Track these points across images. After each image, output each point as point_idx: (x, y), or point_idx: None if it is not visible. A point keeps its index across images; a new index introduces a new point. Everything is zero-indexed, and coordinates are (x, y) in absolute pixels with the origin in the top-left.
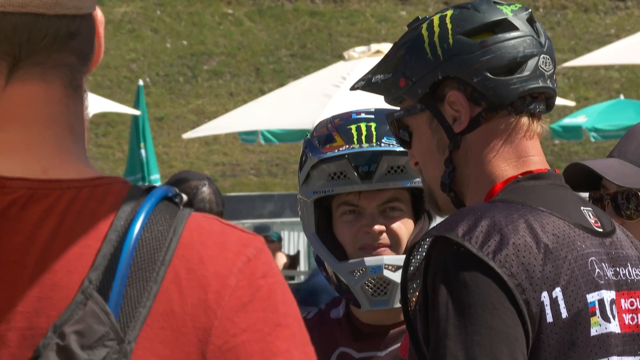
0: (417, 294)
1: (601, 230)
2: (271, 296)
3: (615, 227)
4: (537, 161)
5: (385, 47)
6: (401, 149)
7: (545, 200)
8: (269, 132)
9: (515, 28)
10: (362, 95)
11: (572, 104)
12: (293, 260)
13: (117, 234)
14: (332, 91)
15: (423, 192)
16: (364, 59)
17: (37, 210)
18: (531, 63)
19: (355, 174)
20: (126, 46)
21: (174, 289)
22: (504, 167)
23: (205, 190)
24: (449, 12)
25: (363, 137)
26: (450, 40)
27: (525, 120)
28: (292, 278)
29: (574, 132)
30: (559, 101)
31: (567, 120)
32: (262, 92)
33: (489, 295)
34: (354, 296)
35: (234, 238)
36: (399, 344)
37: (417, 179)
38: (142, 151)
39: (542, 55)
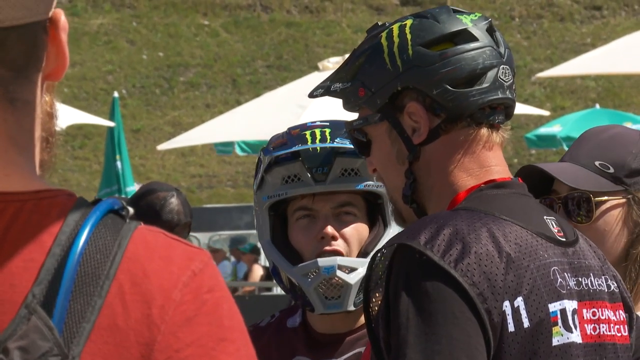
0: (379, 301)
1: (564, 239)
2: (217, 310)
3: (578, 236)
4: (499, 170)
5: None
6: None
7: (508, 208)
8: (245, 143)
9: (475, 39)
10: (335, 107)
11: (546, 113)
12: (269, 272)
13: (61, 248)
14: (306, 102)
15: (377, 197)
16: None
17: None
18: (491, 74)
19: (309, 176)
20: (102, 58)
21: (118, 304)
22: (466, 177)
23: (174, 201)
24: (409, 22)
25: (317, 140)
26: (410, 51)
27: (484, 131)
28: (269, 289)
29: (549, 141)
30: (535, 111)
31: (543, 130)
32: (239, 103)
33: (450, 304)
34: (308, 300)
35: (180, 252)
36: (355, 351)
37: (371, 182)
38: (118, 163)
39: (501, 66)
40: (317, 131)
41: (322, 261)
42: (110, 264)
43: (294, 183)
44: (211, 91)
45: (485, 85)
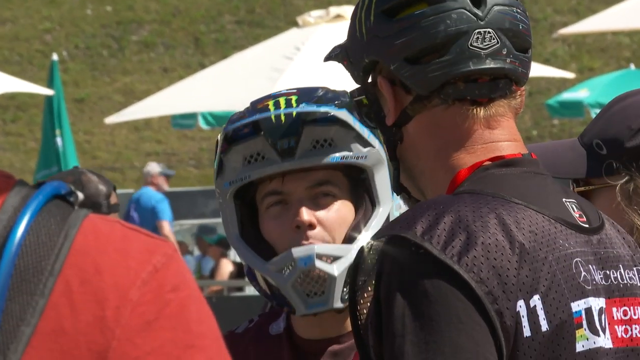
0: (368, 304)
1: (587, 225)
2: (182, 313)
3: (604, 221)
4: (506, 146)
5: (348, 10)
6: (324, 110)
7: (520, 190)
8: (211, 114)
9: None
10: (319, 70)
11: (571, 75)
12: (240, 268)
13: None
14: (284, 64)
15: (360, 170)
16: (322, 25)
17: None
18: (458, 43)
19: (274, 152)
20: (38, 13)
21: (64, 304)
22: (462, 155)
23: (93, 178)
24: None
25: (281, 109)
26: (372, 18)
27: (466, 105)
28: (241, 289)
29: (574, 108)
30: (558, 73)
31: (566, 95)
32: (203, 67)
33: (453, 306)
34: (287, 300)
35: (138, 244)
36: None
37: (349, 153)
38: (58, 139)
39: (476, 31)
40: (282, 99)
41: (297, 251)
42: (55, 257)
43: (257, 163)
44: (169, 52)
45: (447, 57)
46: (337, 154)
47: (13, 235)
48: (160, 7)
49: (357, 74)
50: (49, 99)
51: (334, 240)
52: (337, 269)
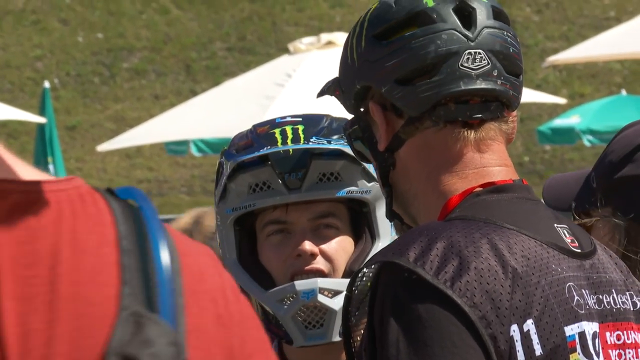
0: (362, 331)
1: (579, 250)
2: (251, 313)
3: (595, 247)
4: (497, 171)
5: (339, 37)
6: (334, 147)
7: (511, 216)
8: (202, 141)
9: (431, 21)
10: (310, 97)
11: (563, 101)
12: None
13: (130, 242)
14: (275, 91)
15: (362, 204)
16: (313, 51)
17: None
18: (449, 63)
19: (281, 183)
20: (29, 41)
21: (194, 304)
22: (453, 180)
23: None
24: (374, 6)
25: (289, 140)
26: (363, 43)
27: (457, 128)
28: None
29: (565, 134)
30: (549, 98)
31: (558, 121)
32: (194, 94)
33: (447, 331)
34: (285, 330)
35: (199, 245)
36: None
37: (355, 188)
38: (50, 167)
39: (466, 52)
40: (289, 129)
41: (300, 284)
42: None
43: (263, 192)
44: (160, 79)
45: (437, 77)
46: (344, 189)
47: (155, 243)
48: (151, 34)
49: (349, 102)
50: (40, 126)
51: (335, 271)
52: (338, 304)
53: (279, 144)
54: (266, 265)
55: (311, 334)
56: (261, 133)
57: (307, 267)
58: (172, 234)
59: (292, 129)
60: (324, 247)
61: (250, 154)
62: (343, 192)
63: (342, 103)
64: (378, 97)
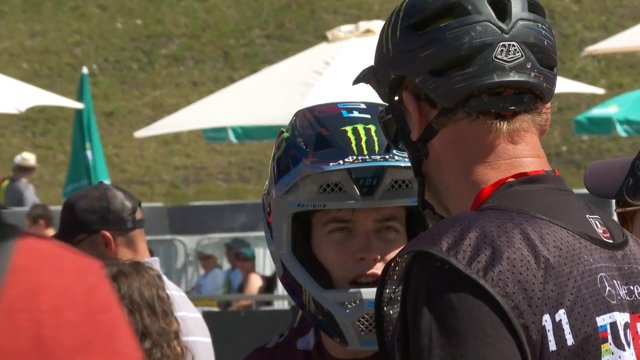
0: (394, 321)
1: (611, 241)
2: (114, 334)
3: (627, 238)
4: (532, 162)
5: (378, 25)
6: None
7: (543, 206)
8: (240, 128)
9: (466, 12)
10: (350, 87)
11: (601, 91)
12: (269, 282)
13: None
14: (313, 79)
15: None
16: (352, 39)
17: None
18: (482, 55)
19: (355, 189)
20: (68, 27)
21: (5, 324)
22: (486, 170)
23: (119, 194)
24: None
25: (363, 144)
26: (398, 33)
27: (490, 119)
28: (270, 303)
29: (603, 125)
30: (587, 88)
31: (596, 111)
32: (232, 81)
33: (480, 320)
34: (339, 330)
35: (72, 263)
36: None
37: None
38: (88, 152)
39: (500, 44)
40: (361, 128)
41: (367, 293)
42: None
43: (334, 193)
44: (198, 66)
45: (471, 69)
46: (413, 197)
47: None
48: (190, 21)
49: (383, 91)
50: (78, 112)
51: None
52: None
53: (354, 148)
54: (324, 262)
55: (366, 338)
56: (328, 124)
57: (369, 272)
58: (27, 249)
59: (365, 129)
60: (386, 251)
61: (333, 161)
62: (413, 201)
63: (376, 91)
64: (412, 87)
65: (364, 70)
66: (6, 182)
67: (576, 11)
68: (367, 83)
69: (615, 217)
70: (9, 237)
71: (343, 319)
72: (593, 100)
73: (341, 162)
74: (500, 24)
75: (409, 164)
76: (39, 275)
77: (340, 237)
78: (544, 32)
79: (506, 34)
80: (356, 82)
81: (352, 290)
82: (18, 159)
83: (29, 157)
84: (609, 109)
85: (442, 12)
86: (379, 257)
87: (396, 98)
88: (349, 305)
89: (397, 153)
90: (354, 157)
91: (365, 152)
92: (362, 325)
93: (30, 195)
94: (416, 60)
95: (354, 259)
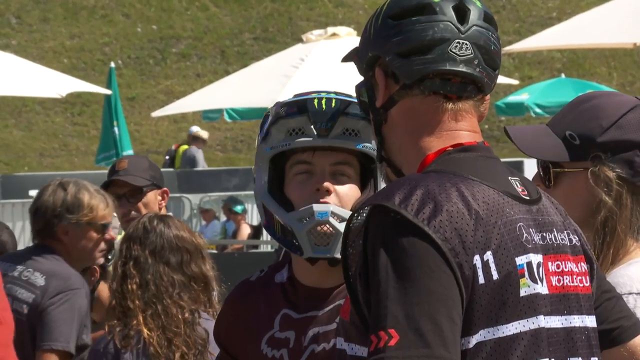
0: (356, 258)
1: (528, 198)
2: None
3: (541, 195)
4: (466, 135)
5: (342, 30)
6: (358, 111)
7: (475, 170)
8: (234, 110)
9: (434, 12)
10: (320, 78)
11: (515, 82)
12: (256, 231)
13: None
14: (291, 72)
15: (371, 160)
16: (321, 41)
17: None
18: (441, 47)
19: (313, 130)
20: (99, 31)
21: None
22: (431, 139)
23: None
24: None
25: (323, 102)
26: (379, 21)
27: (439, 98)
28: (256, 247)
29: (517, 108)
30: (504, 80)
31: (512, 98)
32: (227, 73)
33: (425, 259)
34: (298, 244)
35: None
36: (336, 304)
37: (369, 145)
38: (116, 129)
39: (456, 40)
40: (324, 100)
41: (317, 206)
42: None
43: (297, 135)
44: (201, 62)
45: (430, 56)
46: (360, 143)
47: None
48: (194, 26)
49: (361, 66)
50: (107, 97)
51: (343, 208)
52: (343, 228)
53: (315, 102)
54: (290, 197)
55: (318, 249)
56: (300, 96)
57: (322, 200)
58: None
59: (326, 99)
60: (337, 187)
61: (295, 98)
62: (359, 145)
63: (357, 67)
64: (383, 65)
65: (350, 51)
66: (183, 147)
67: (496, 19)
68: (350, 60)
69: (530, 177)
70: None
71: (299, 230)
72: (509, 89)
73: (299, 98)
74: (459, 25)
75: (355, 100)
76: None
77: (303, 177)
78: (492, 39)
79: (462, 34)
80: (344, 60)
81: (306, 207)
82: (193, 130)
83: (199, 131)
84: (522, 96)
85: (416, 10)
86: (332, 189)
87: (370, 73)
88: (305, 220)
89: (350, 111)
90: (314, 107)
91: (324, 108)
92: (313, 237)
93: (200, 158)
94: (389, 43)
95: (311, 192)
